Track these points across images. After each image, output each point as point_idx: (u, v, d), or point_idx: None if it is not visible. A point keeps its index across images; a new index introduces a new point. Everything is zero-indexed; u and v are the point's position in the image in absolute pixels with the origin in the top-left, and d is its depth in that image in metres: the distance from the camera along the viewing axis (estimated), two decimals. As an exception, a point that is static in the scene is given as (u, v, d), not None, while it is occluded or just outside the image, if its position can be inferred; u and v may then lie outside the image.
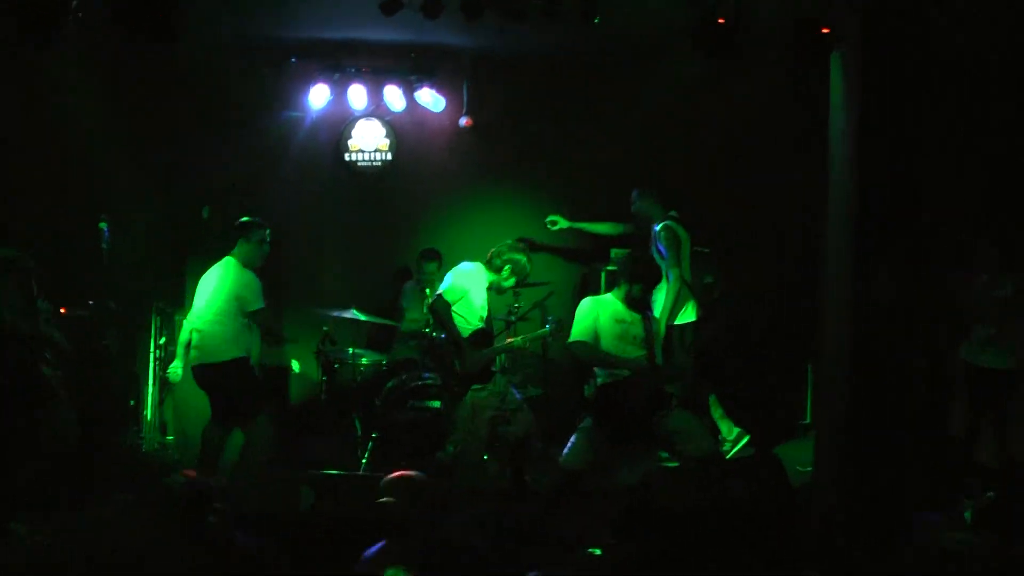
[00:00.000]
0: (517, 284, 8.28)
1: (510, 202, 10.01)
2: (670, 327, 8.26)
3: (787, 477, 6.79)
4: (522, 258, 8.14)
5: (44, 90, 8.83)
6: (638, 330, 7.30)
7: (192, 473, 5.31)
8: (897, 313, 7.07)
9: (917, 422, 7.23)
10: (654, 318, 7.62)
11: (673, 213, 8.48)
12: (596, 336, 7.23)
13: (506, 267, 8.11)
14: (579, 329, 7.27)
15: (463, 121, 9.89)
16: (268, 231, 8.24)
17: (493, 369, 8.09)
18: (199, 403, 8.70)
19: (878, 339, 7.09)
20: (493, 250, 8.17)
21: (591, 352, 7.23)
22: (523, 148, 9.99)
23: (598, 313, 7.29)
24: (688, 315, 8.45)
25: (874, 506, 6.81)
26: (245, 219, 8.23)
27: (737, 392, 9.02)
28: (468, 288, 8.05)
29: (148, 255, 9.13)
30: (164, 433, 9.24)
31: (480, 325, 8.08)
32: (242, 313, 8.03)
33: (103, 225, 8.28)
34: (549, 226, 9.32)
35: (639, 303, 7.34)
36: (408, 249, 9.74)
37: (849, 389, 7.12)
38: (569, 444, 7.21)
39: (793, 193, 8.96)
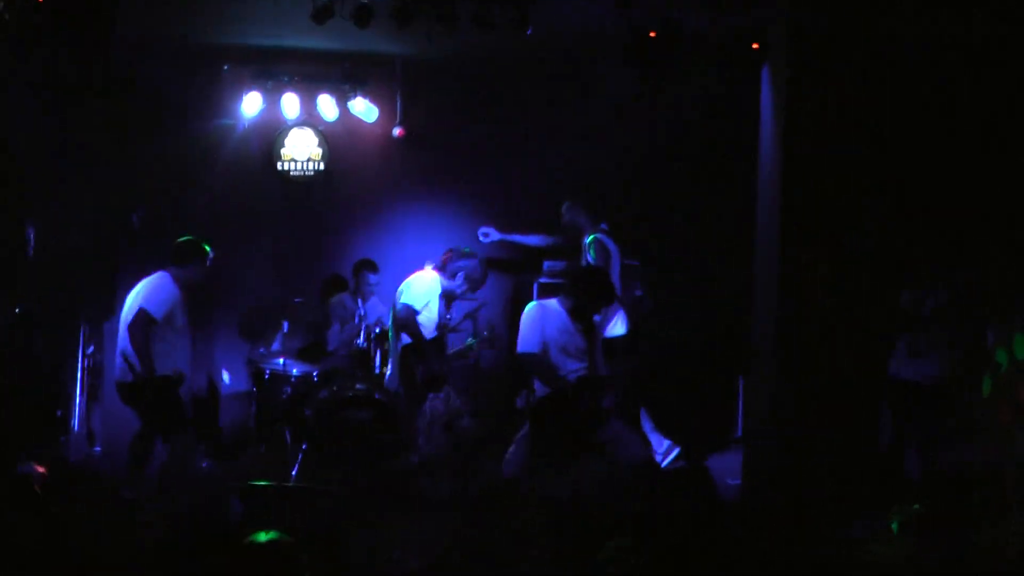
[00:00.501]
0: (471, 289, 8.52)
1: (443, 211, 10.02)
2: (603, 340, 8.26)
3: (715, 488, 6.83)
4: (476, 265, 8.39)
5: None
6: (580, 341, 7.32)
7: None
8: (825, 324, 7.19)
9: (846, 434, 7.34)
10: (596, 330, 7.64)
11: (603, 226, 8.53)
12: (545, 345, 7.23)
13: (459, 274, 8.37)
14: (528, 339, 7.26)
15: (396, 131, 9.91)
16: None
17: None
18: (127, 413, 8.64)
19: (806, 351, 7.22)
20: (445, 258, 8.42)
21: (539, 366, 7.23)
22: (456, 157, 10.04)
23: (545, 322, 7.28)
24: (618, 328, 8.46)
25: (801, 517, 6.89)
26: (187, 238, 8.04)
27: (669, 405, 9.07)
28: (430, 297, 8.32)
29: (76, 262, 8.90)
30: (91, 444, 9.08)
31: (435, 333, 8.32)
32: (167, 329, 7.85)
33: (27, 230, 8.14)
34: (481, 238, 9.36)
35: (583, 315, 7.34)
36: (341, 258, 9.72)
37: (777, 401, 7.23)
38: (509, 453, 7.22)
39: (725, 205, 9.06)
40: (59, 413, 8.78)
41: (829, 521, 6.75)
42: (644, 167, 9.67)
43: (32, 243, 7.71)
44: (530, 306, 7.47)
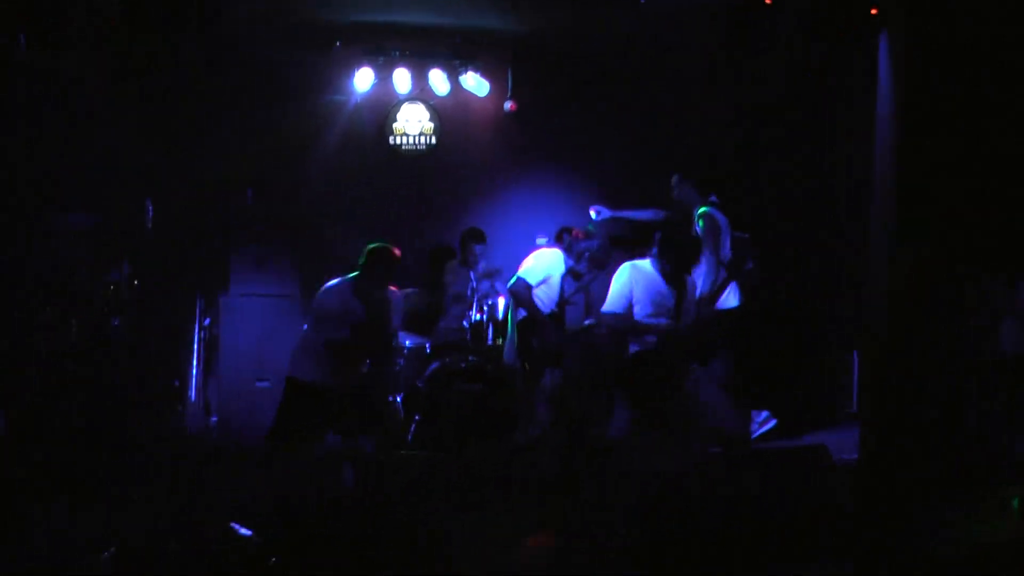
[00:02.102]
0: (592, 268, 8.58)
1: (552, 186, 9.98)
2: (716, 312, 8.12)
3: (832, 465, 6.69)
4: (600, 246, 8.49)
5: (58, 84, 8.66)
6: (670, 300, 7.34)
7: None
8: (938, 300, 6.97)
9: (955, 412, 7.13)
10: (691, 288, 7.59)
11: (712, 198, 8.37)
12: (630, 304, 7.24)
13: (583, 255, 8.52)
14: (615, 299, 7.31)
15: (508, 105, 9.91)
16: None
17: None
18: (242, 387, 8.84)
19: (918, 327, 7.02)
20: (566, 236, 8.57)
21: (622, 321, 7.27)
22: (566, 131, 10.00)
23: (635, 281, 7.31)
24: (730, 301, 8.36)
25: (912, 495, 6.72)
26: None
27: (776, 377, 8.93)
28: (550, 272, 8.44)
29: (193, 236, 9.08)
30: (208, 415, 9.27)
31: (554, 309, 8.42)
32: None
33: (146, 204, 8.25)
34: (593, 215, 9.21)
35: (672, 276, 7.35)
36: (450, 231, 9.67)
37: (889, 378, 7.03)
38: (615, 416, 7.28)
39: (837, 175, 8.92)
40: (176, 384, 8.97)
41: (945, 497, 6.60)
42: (754, 138, 9.50)
43: (151, 216, 7.73)
44: (623, 266, 7.48)
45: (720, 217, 8.26)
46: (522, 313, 8.64)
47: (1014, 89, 6.93)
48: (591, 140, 9.95)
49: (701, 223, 8.22)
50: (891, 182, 7.00)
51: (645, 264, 7.42)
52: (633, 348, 7.31)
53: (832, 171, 9.08)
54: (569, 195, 9.89)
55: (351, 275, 7.68)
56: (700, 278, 7.94)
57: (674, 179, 8.53)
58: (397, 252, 7.71)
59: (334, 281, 7.72)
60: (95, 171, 7.97)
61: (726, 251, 8.22)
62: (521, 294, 8.40)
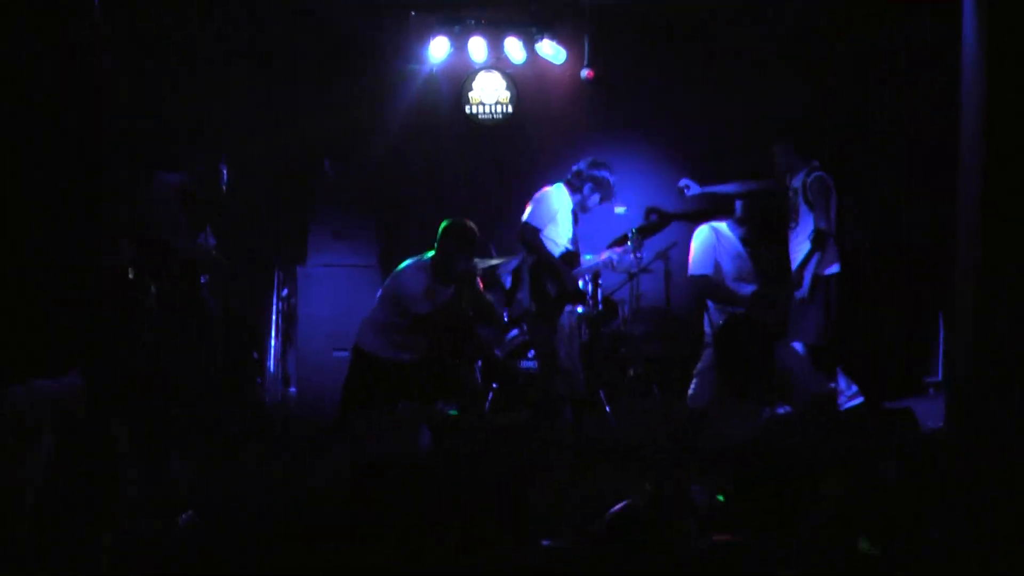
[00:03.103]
0: (602, 201, 8.37)
1: (632, 156, 9.69)
2: (817, 277, 7.88)
3: (920, 429, 6.50)
4: (604, 175, 8.21)
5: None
6: (751, 264, 7.36)
7: None
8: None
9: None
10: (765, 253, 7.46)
11: (816, 163, 8.16)
12: (717, 267, 7.14)
13: (587, 185, 8.23)
14: (701, 262, 7.27)
15: (585, 73, 9.68)
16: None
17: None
18: (321, 358, 8.83)
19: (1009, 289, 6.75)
20: (573, 170, 8.29)
21: (713, 286, 7.23)
22: (646, 100, 9.76)
23: (717, 244, 7.30)
24: (834, 266, 8.08)
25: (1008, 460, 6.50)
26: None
27: (862, 345, 8.63)
28: (555, 211, 8.19)
29: (270, 205, 9.11)
30: (286, 386, 9.27)
31: (569, 247, 8.19)
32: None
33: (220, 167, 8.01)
34: (684, 191, 8.86)
35: (752, 242, 7.33)
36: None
37: (975, 343, 6.79)
38: (693, 385, 7.16)
39: (926, 138, 8.59)
40: (255, 355, 8.97)
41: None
42: (843, 104, 9.25)
43: (225, 179, 7.66)
44: (702, 229, 7.46)
45: (831, 181, 8.03)
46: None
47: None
48: (674, 109, 9.69)
49: (814, 188, 7.94)
50: (979, 132, 6.76)
51: (723, 227, 7.25)
52: (717, 317, 7.12)
53: (920, 132, 8.75)
54: (651, 165, 9.76)
55: (427, 254, 7.58)
56: (803, 243, 7.76)
57: (777, 146, 8.27)
58: (471, 226, 7.58)
59: (410, 261, 7.63)
60: (178, 132, 7.92)
61: (834, 215, 8.00)
62: (525, 236, 8.17)
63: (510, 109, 9.89)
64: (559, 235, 8.25)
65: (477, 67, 9.85)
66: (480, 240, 7.74)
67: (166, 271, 7.20)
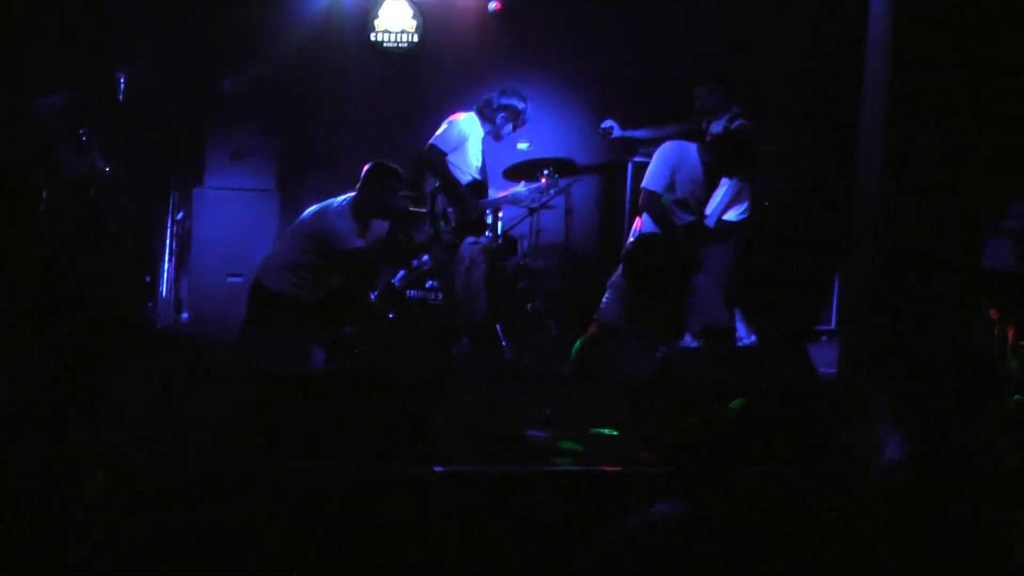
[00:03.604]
0: (515, 129, 8.27)
1: (545, 96, 9.52)
2: (721, 222, 7.97)
3: (813, 366, 6.59)
4: (515, 102, 8.12)
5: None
6: (702, 194, 7.18)
7: None
8: (930, 209, 6.79)
9: (945, 328, 6.99)
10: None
11: (736, 109, 8.09)
12: (670, 186, 7.04)
13: (499, 115, 8.13)
14: (655, 174, 7.05)
15: (492, 5, 9.60)
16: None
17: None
18: (215, 283, 8.69)
19: (909, 237, 6.85)
20: (483, 99, 8.18)
21: (657, 206, 7.01)
22: (558, 37, 9.65)
23: (678, 162, 7.07)
24: (744, 211, 8.16)
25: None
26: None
27: (761, 295, 8.75)
28: (464, 137, 8.09)
29: (167, 124, 8.79)
30: (178, 311, 9.11)
31: (476, 177, 8.13)
32: None
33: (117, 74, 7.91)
34: (603, 135, 8.81)
35: (714, 170, 7.15)
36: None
37: (877, 289, 6.90)
38: (604, 299, 7.03)
39: (837, 91, 8.52)
40: (147, 278, 8.83)
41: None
42: (754, 52, 9.25)
43: (122, 88, 7.39)
44: (667, 143, 7.23)
45: (751, 127, 7.99)
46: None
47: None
48: (587, 46, 9.61)
49: (732, 131, 7.91)
50: (882, 72, 6.81)
51: (691, 148, 7.19)
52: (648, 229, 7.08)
53: (832, 84, 8.81)
54: (563, 104, 9.71)
55: (339, 199, 7.44)
56: (725, 187, 7.78)
57: (700, 88, 8.21)
58: (394, 168, 7.46)
59: (323, 205, 7.46)
60: (67, 44, 7.64)
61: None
62: (435, 162, 8.07)
63: (416, 38, 9.65)
64: (466, 163, 8.17)
65: (384, -7, 9.63)
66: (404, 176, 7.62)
67: (52, 192, 7.00)
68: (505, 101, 8.19)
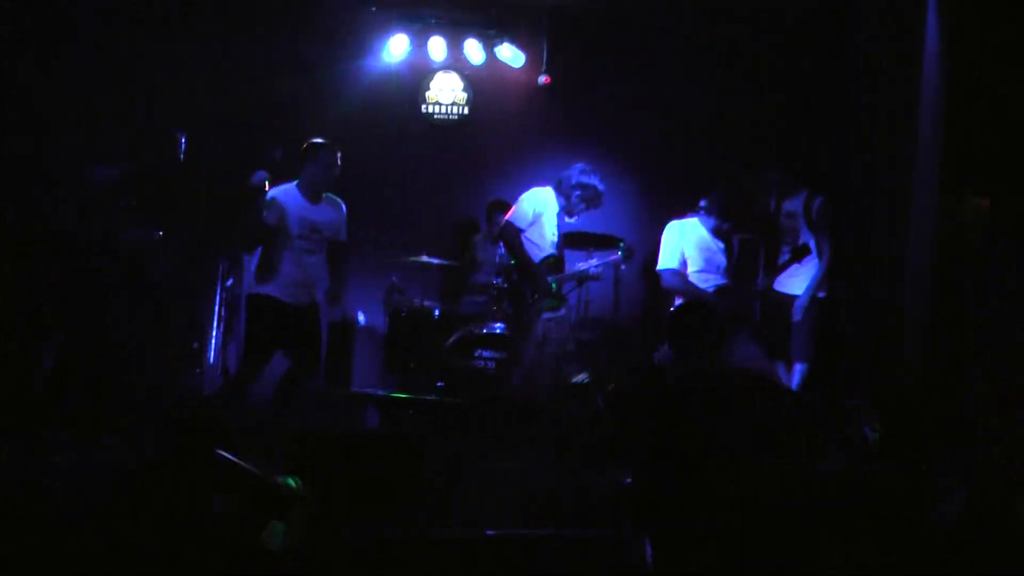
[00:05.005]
0: (588, 208, 8.17)
1: (584, 162, 9.55)
2: (814, 299, 7.84)
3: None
4: (593, 182, 8.06)
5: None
6: (721, 258, 7.44)
7: None
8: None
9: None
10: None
11: (807, 189, 8.03)
12: (685, 261, 7.31)
13: (575, 192, 8.04)
14: (667, 255, 7.37)
15: (542, 79, 9.74)
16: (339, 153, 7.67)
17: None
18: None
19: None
20: (563, 174, 8.12)
21: (680, 282, 7.30)
22: (601, 109, 9.78)
23: (685, 239, 7.37)
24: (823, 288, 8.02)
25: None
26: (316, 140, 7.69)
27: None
28: (540, 212, 8.01)
29: (220, 189, 8.70)
30: (226, 378, 8.90)
31: (552, 252, 8.07)
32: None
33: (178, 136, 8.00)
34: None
35: (725, 235, 7.44)
36: (479, 203, 9.61)
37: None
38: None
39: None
40: (195, 345, 8.77)
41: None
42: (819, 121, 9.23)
43: (184, 151, 7.44)
44: (670, 225, 7.51)
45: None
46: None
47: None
48: (628, 119, 9.71)
49: (816, 210, 7.87)
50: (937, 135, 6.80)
51: (692, 221, 7.41)
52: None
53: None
54: (602, 173, 9.52)
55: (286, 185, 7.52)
56: (813, 268, 7.73)
57: (770, 170, 8.23)
58: (323, 142, 7.51)
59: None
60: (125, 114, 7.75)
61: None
62: (510, 240, 8.00)
63: (466, 110, 9.85)
64: (542, 238, 8.07)
65: (435, 67, 9.81)
66: None
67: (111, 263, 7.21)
68: (585, 180, 8.11)
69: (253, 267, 7.45)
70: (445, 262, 8.90)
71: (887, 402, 7.09)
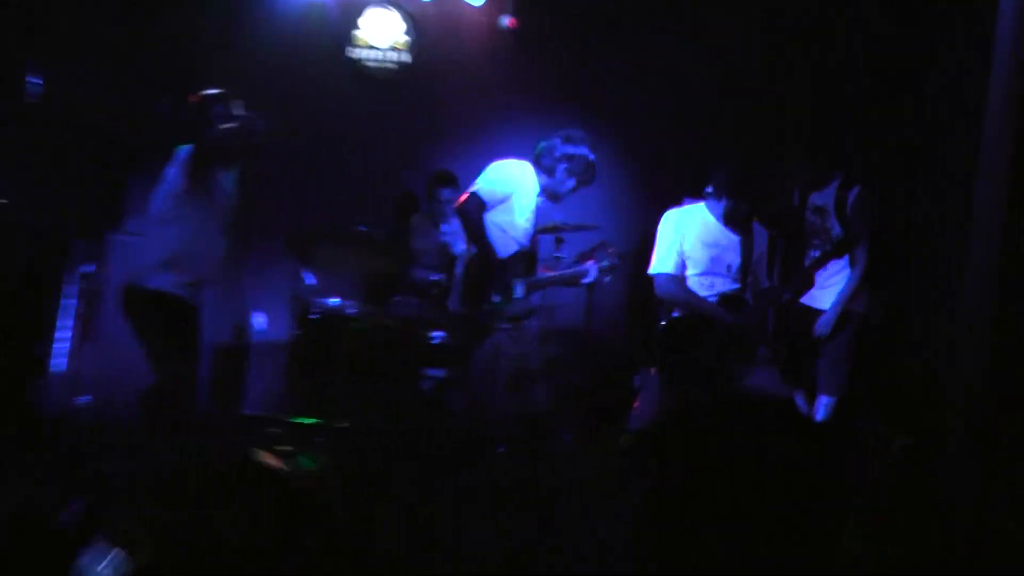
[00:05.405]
0: (577, 188, 6.79)
1: (553, 127, 7.90)
2: (848, 311, 6.75)
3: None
4: (583, 152, 6.70)
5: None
6: (734, 257, 6.22)
7: None
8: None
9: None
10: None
11: (839, 174, 6.94)
12: (683, 263, 6.19)
13: (560, 166, 6.64)
14: (661, 256, 6.24)
15: (506, 21, 8.60)
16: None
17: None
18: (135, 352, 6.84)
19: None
20: (542, 145, 6.71)
21: (677, 289, 6.16)
22: (576, 66, 8.71)
23: (684, 232, 6.21)
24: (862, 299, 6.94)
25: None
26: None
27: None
28: (512, 190, 6.55)
29: (78, 151, 7.56)
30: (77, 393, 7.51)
31: (523, 244, 6.65)
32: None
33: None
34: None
35: (740, 223, 6.24)
36: (419, 176, 8.29)
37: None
38: (634, 407, 6.25)
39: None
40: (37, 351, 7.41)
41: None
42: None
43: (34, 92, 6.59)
44: (668, 215, 6.35)
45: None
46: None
47: None
48: (608, 79, 8.63)
49: (853, 203, 6.76)
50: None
51: (697, 208, 6.28)
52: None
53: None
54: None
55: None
56: (844, 270, 6.74)
57: (798, 158, 7.33)
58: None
59: None
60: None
61: None
62: (470, 216, 6.44)
63: (408, 57, 8.61)
64: (512, 225, 6.55)
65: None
66: None
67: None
68: (571, 150, 6.62)
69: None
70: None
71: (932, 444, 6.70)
